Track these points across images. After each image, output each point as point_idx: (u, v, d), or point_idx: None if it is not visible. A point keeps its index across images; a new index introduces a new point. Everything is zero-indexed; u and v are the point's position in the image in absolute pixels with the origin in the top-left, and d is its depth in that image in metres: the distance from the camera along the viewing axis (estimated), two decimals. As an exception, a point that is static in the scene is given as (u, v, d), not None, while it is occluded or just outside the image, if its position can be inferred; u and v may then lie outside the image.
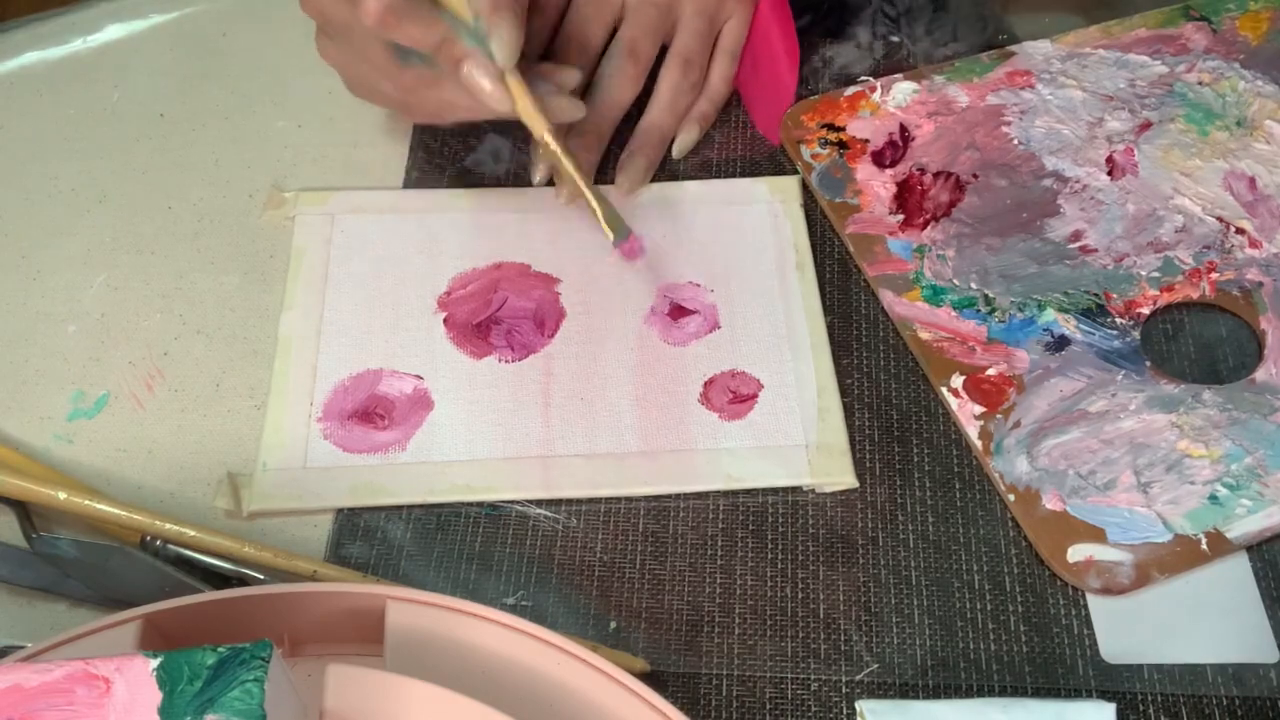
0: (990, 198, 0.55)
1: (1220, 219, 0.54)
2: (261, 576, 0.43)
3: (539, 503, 0.47)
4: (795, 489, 0.47)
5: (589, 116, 0.54)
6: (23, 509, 0.45)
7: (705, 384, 0.49)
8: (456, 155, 0.57)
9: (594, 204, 0.50)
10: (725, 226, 0.54)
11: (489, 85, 0.46)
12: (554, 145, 0.49)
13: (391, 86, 0.49)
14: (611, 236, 0.50)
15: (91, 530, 0.45)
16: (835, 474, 0.47)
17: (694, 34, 0.57)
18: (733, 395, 0.49)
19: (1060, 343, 0.50)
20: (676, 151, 0.57)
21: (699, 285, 0.52)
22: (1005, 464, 0.47)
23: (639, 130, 0.56)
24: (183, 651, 0.32)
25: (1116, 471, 0.46)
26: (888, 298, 0.51)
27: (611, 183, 0.55)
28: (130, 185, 0.56)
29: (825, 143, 0.57)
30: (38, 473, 0.46)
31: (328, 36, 0.50)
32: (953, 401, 0.48)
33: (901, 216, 0.54)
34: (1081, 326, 0.50)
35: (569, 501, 0.47)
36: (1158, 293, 0.51)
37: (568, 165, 0.50)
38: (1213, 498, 0.45)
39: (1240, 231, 0.53)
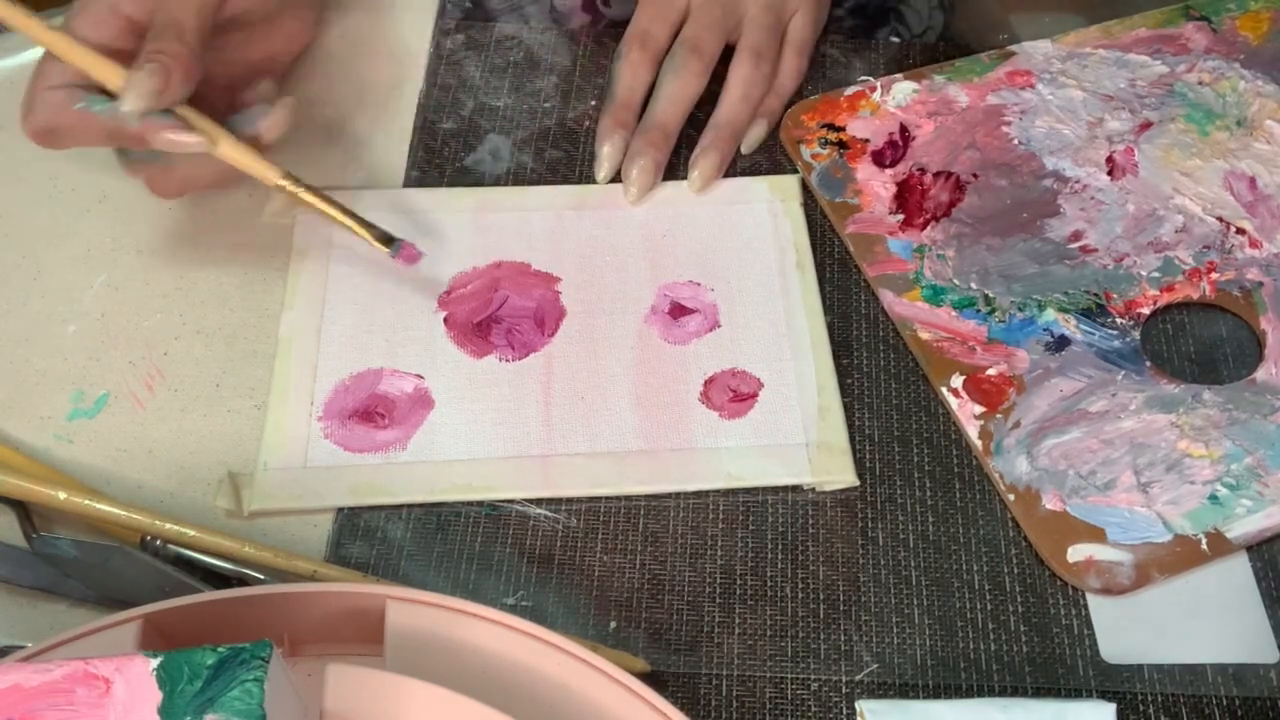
0: (990, 198, 0.55)
1: (1220, 219, 0.54)
2: (261, 576, 0.43)
3: (539, 502, 0.47)
4: (795, 488, 0.47)
5: (655, 114, 0.55)
6: (23, 509, 0.45)
7: (705, 383, 0.49)
8: (456, 155, 0.57)
9: (355, 227, 0.49)
10: (725, 225, 0.54)
11: (189, 137, 0.46)
12: (290, 186, 0.48)
13: (146, 187, 0.50)
14: (386, 250, 0.49)
15: (91, 530, 0.45)
16: (836, 472, 0.47)
17: (763, 28, 0.57)
18: (733, 394, 0.49)
19: (1060, 343, 0.50)
20: (746, 148, 0.57)
21: (699, 284, 0.52)
22: (1005, 464, 0.47)
23: (712, 125, 0.56)
24: (183, 651, 0.32)
25: (1116, 471, 0.46)
26: (888, 298, 0.51)
27: (683, 179, 0.55)
28: (130, 185, 0.56)
29: (825, 142, 0.57)
30: (38, 473, 0.46)
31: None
32: (953, 401, 0.48)
33: (901, 216, 0.54)
34: (1082, 326, 0.50)
35: (569, 501, 0.47)
36: (1158, 293, 0.51)
37: (316, 202, 0.49)
38: (1213, 498, 0.46)
39: (1240, 231, 0.53)
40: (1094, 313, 0.51)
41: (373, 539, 0.46)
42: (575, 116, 0.58)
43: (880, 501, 0.47)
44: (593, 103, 0.58)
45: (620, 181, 0.55)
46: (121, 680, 0.31)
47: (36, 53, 0.48)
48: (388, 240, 0.49)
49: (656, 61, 0.57)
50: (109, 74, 0.45)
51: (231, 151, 0.47)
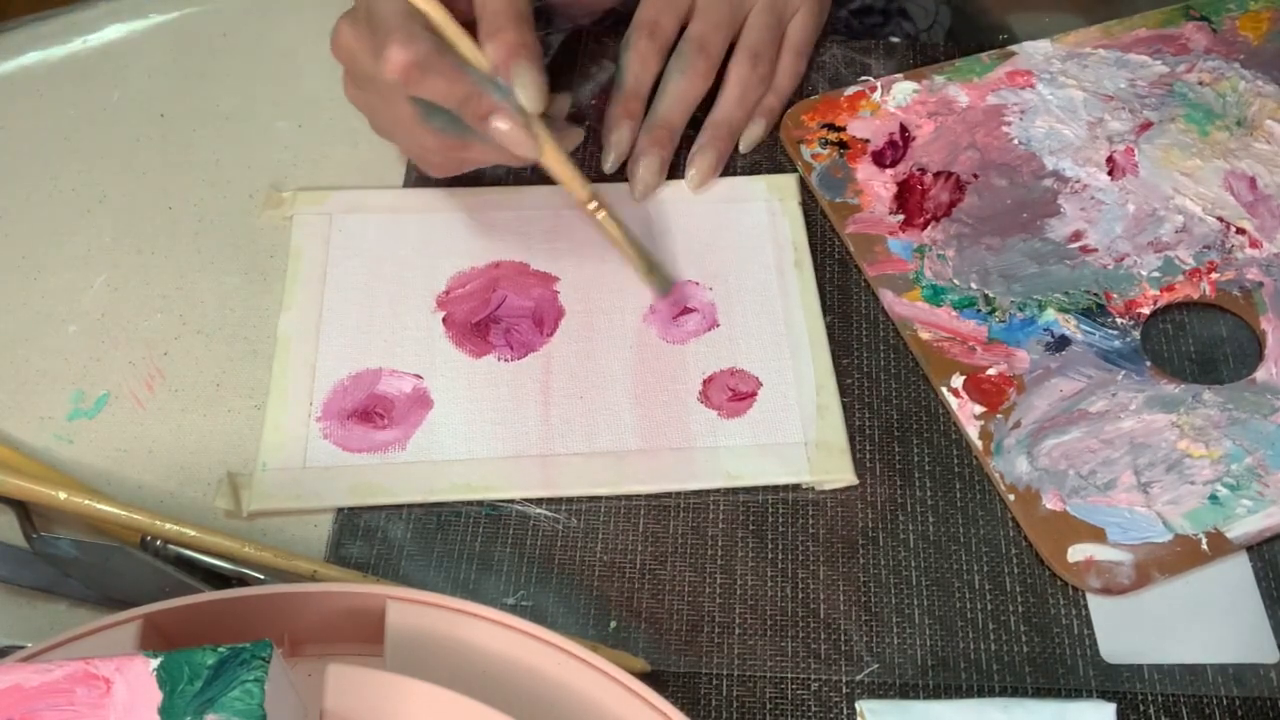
0: (990, 198, 0.55)
1: (1220, 219, 0.54)
2: (261, 576, 0.43)
3: (539, 502, 0.47)
4: (795, 487, 0.47)
5: (661, 112, 0.55)
6: (23, 509, 0.45)
7: (704, 382, 0.49)
8: (456, 155, 0.57)
9: (636, 261, 0.51)
10: (724, 224, 0.54)
11: (523, 138, 0.45)
12: (595, 209, 0.49)
13: (412, 146, 0.49)
14: (655, 292, 0.51)
15: (91, 530, 0.45)
16: (835, 471, 0.47)
17: (763, 28, 0.57)
18: (732, 393, 0.49)
19: (1060, 343, 0.50)
20: (743, 146, 0.57)
21: (698, 283, 0.52)
22: (1005, 464, 0.47)
23: (709, 124, 0.56)
24: (183, 651, 0.32)
25: (1117, 471, 0.46)
26: (888, 298, 0.51)
27: (682, 178, 0.56)
28: (130, 185, 0.56)
29: (825, 143, 0.57)
30: (38, 473, 0.46)
31: (353, 82, 0.50)
32: (953, 401, 0.48)
33: (902, 216, 0.54)
34: (1082, 326, 0.50)
35: (569, 501, 0.47)
36: (1158, 293, 0.51)
37: (612, 230, 0.50)
38: (1213, 498, 0.45)
39: (1240, 231, 0.53)
40: (1094, 313, 0.51)
41: (373, 539, 0.46)
42: (575, 115, 0.58)
43: (880, 501, 0.47)
44: (593, 102, 0.58)
45: (617, 181, 0.55)
46: (121, 680, 0.31)
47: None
48: (664, 284, 0.51)
49: (664, 52, 0.56)
50: (468, 48, 0.45)
51: (554, 161, 0.48)
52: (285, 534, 0.46)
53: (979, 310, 0.51)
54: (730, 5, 0.57)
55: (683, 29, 0.56)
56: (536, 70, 0.45)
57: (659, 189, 0.55)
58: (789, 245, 0.53)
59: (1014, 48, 0.60)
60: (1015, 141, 0.56)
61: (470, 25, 0.46)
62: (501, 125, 0.45)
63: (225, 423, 0.49)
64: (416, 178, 0.56)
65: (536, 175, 0.56)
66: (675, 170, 0.56)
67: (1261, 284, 0.52)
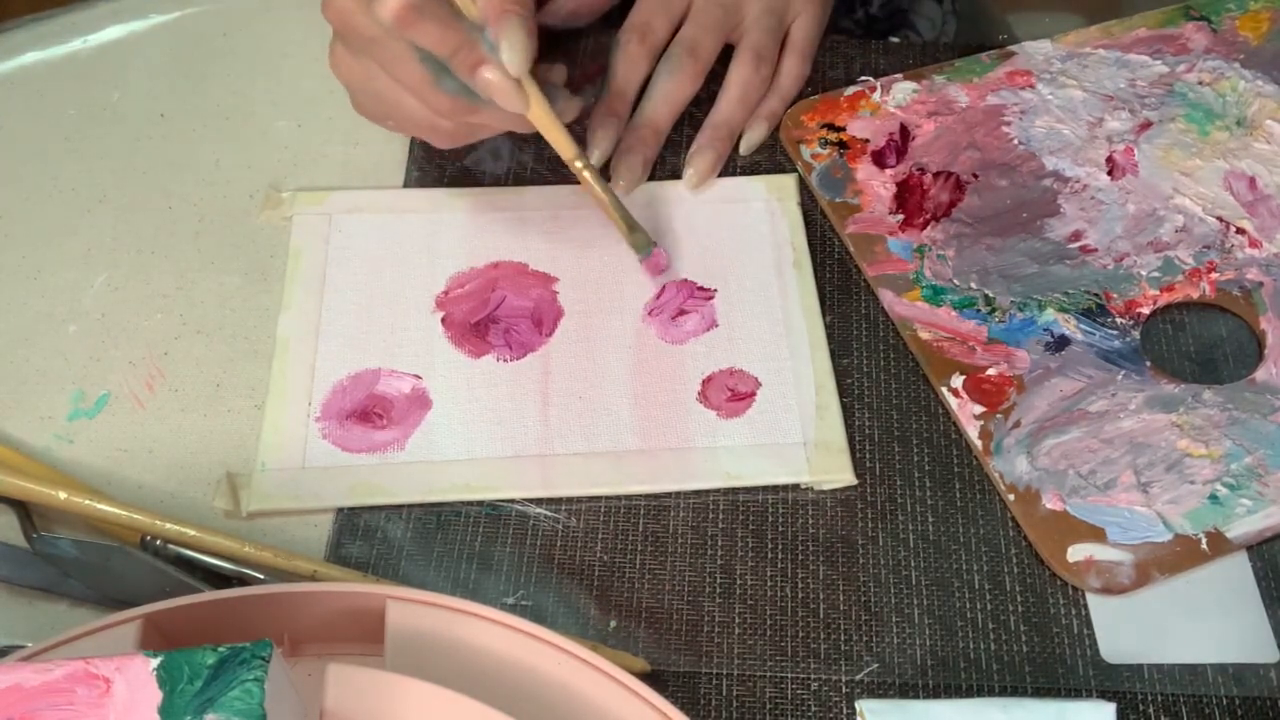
0: (990, 198, 0.55)
1: (1220, 219, 0.54)
2: (261, 576, 0.43)
3: (539, 502, 0.47)
4: (794, 487, 0.47)
5: (647, 112, 0.55)
6: (23, 509, 0.45)
7: (703, 382, 0.49)
8: (456, 155, 0.57)
9: (619, 222, 0.51)
10: (723, 225, 0.54)
11: (511, 91, 0.45)
12: (581, 167, 0.50)
13: (422, 110, 0.48)
14: (636, 254, 0.52)
15: (92, 530, 0.45)
16: (834, 471, 0.47)
17: (764, 30, 0.57)
18: (731, 393, 0.49)
19: (1060, 343, 0.50)
20: (744, 148, 0.57)
21: (700, 288, 0.52)
22: (1005, 464, 0.47)
23: (709, 124, 0.56)
24: (183, 651, 0.32)
25: (1116, 471, 0.46)
26: (888, 298, 0.51)
27: (669, 179, 0.56)
28: (130, 185, 0.56)
29: (825, 143, 0.57)
30: (38, 473, 0.46)
31: (347, 49, 0.48)
32: (953, 401, 0.48)
33: (901, 216, 0.54)
34: (1082, 326, 0.50)
35: (568, 501, 0.47)
36: (1158, 292, 0.51)
37: (595, 188, 0.50)
38: (1213, 497, 0.45)
39: (1240, 231, 0.53)
40: (1094, 313, 0.51)
41: (372, 539, 0.46)
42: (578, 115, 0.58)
43: (880, 501, 0.47)
44: (593, 101, 0.58)
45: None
46: (122, 680, 0.31)
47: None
48: (643, 245, 0.51)
49: (654, 55, 0.57)
50: (472, 8, 0.45)
51: (543, 117, 0.47)
52: (285, 534, 0.46)
53: (979, 310, 0.51)
54: (723, 9, 0.57)
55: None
56: (524, 32, 0.44)
57: (649, 187, 0.55)
58: (788, 245, 0.53)
59: (1014, 48, 0.60)
60: (1015, 141, 0.56)
61: None
62: (490, 76, 0.45)
63: (225, 423, 0.49)
64: (416, 178, 0.56)
65: (535, 176, 0.56)
66: (675, 171, 0.56)
67: (1261, 284, 0.52)
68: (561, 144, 0.49)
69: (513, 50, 0.44)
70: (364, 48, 0.46)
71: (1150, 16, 0.61)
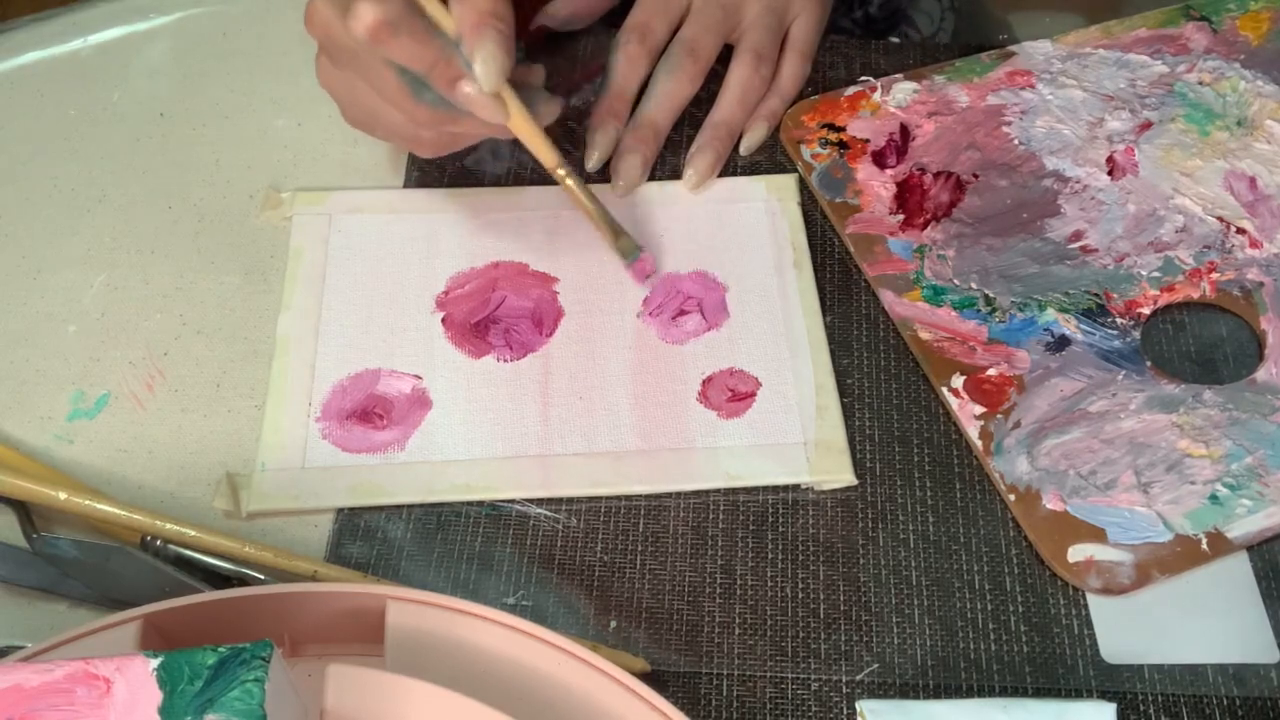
0: (990, 198, 0.55)
1: (1221, 219, 0.54)
2: (261, 576, 0.43)
3: (539, 502, 0.47)
4: (795, 487, 0.47)
5: (647, 112, 0.55)
6: (23, 509, 0.45)
7: (704, 382, 0.49)
8: (456, 155, 0.57)
9: (603, 228, 0.51)
10: (723, 225, 0.54)
11: (489, 104, 0.45)
12: (564, 175, 0.49)
13: (403, 120, 0.48)
14: (623, 260, 0.51)
15: (92, 530, 0.45)
16: (834, 471, 0.47)
17: (765, 30, 0.57)
18: (731, 393, 0.49)
19: (1061, 343, 0.50)
20: (744, 148, 0.57)
21: (701, 289, 0.52)
22: (1006, 464, 0.47)
23: (709, 124, 0.56)
24: (183, 651, 0.32)
25: (1117, 471, 0.46)
26: (888, 298, 0.51)
27: (669, 179, 0.56)
28: (130, 185, 0.56)
29: (826, 143, 0.57)
30: (38, 473, 0.46)
31: (330, 60, 0.48)
32: (953, 401, 0.48)
33: (902, 216, 0.54)
34: (1082, 326, 0.50)
35: (569, 501, 0.47)
36: (1158, 293, 0.51)
37: (579, 195, 0.50)
38: (1213, 497, 0.45)
39: (1241, 231, 0.53)
40: (1094, 313, 0.51)
41: (373, 539, 0.46)
42: (575, 116, 0.58)
43: (880, 501, 0.47)
44: (592, 101, 0.58)
45: (599, 182, 0.55)
46: (121, 680, 0.31)
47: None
48: (629, 250, 0.51)
49: (654, 56, 0.57)
50: (436, 8, 0.44)
51: (523, 126, 0.47)
52: (285, 534, 0.46)
53: (979, 310, 0.51)
54: (723, 9, 0.57)
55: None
56: (499, 47, 0.44)
57: (649, 187, 0.55)
58: (788, 245, 0.53)
59: (1014, 48, 0.60)
60: (1015, 141, 0.56)
61: None
62: (469, 90, 0.44)
63: (225, 423, 0.49)
64: (417, 178, 0.56)
65: (535, 176, 0.56)
66: (675, 171, 0.56)
67: (1261, 284, 0.52)
68: (543, 152, 0.49)
69: (486, 66, 0.44)
70: (345, 61, 0.46)
71: (1150, 16, 0.61)
